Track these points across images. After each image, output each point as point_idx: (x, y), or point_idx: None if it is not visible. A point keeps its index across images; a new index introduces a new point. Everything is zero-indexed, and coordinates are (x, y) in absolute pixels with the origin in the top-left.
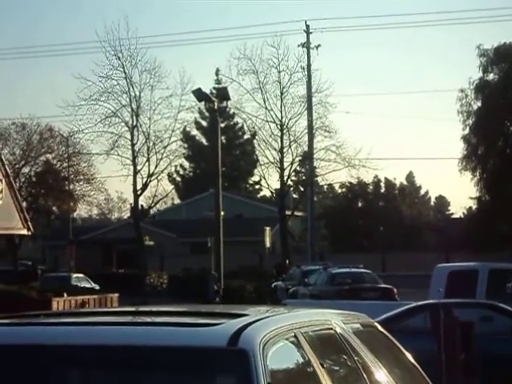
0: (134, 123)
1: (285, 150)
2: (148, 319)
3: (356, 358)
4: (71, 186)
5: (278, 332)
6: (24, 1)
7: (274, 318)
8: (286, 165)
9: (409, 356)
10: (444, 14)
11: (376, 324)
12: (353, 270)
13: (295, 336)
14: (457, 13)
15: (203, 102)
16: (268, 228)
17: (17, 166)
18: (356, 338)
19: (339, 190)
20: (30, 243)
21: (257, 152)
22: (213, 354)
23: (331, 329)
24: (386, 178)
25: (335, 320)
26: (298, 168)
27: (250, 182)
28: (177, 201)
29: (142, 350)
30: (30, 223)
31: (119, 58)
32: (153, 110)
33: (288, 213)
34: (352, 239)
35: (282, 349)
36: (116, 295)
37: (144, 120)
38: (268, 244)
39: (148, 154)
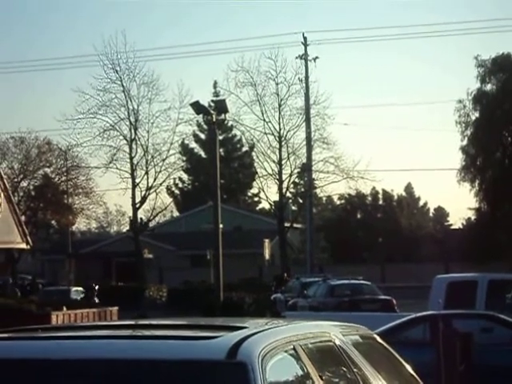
0: (133, 136)
1: (283, 162)
2: (147, 333)
3: (355, 370)
4: (70, 200)
5: (276, 344)
6: (21, 15)
7: (272, 331)
8: (284, 177)
9: (408, 367)
10: (442, 26)
11: (375, 336)
12: (352, 281)
13: (294, 348)
14: (454, 24)
15: (201, 115)
16: (267, 240)
17: (15, 180)
18: (355, 349)
19: (338, 202)
20: (29, 257)
21: (255, 164)
22: (212, 366)
23: (330, 341)
24: (383, 190)
25: (334, 332)
26: (296, 180)
27: (249, 194)
28: (176, 214)
29: (142, 364)
30: (28, 237)
31: (117, 72)
32: (151, 123)
33: (287, 225)
34: (351, 251)
35: (281, 361)
36: (115, 308)
37: (142, 133)
38: (267, 256)
39: (146, 167)
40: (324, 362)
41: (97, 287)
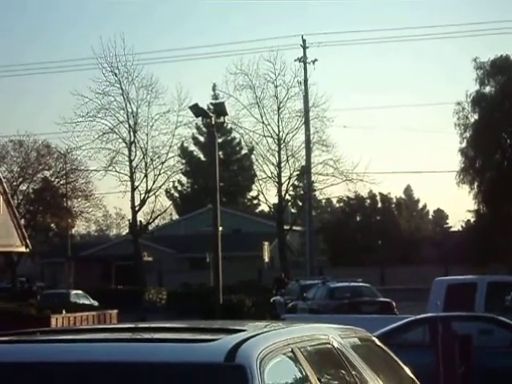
0: (132, 139)
1: (282, 164)
2: (146, 336)
3: (354, 373)
4: (69, 203)
5: (275, 347)
6: (20, 18)
7: (271, 333)
8: (283, 179)
9: (407, 370)
10: (441, 28)
11: (374, 338)
12: (352, 284)
13: (292, 351)
14: (454, 26)
15: (200, 118)
16: (266, 243)
17: (14, 183)
18: (354, 352)
19: (337, 205)
20: (28, 260)
21: (254, 167)
22: (210, 369)
23: (329, 343)
24: (380, 193)
25: (332, 334)
26: (295, 182)
27: (248, 196)
28: (175, 216)
29: (141, 367)
30: (28, 240)
31: (116, 75)
32: (150, 125)
33: (286, 227)
34: (350, 253)
35: (280, 364)
36: (115, 311)
37: (141, 136)
38: (267, 259)
39: (146, 170)
40: (322, 364)
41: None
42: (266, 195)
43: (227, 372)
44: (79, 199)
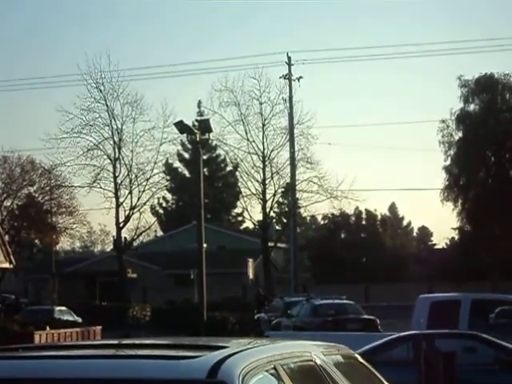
0: (117, 156)
1: (267, 181)
2: (130, 352)
3: None
4: (54, 219)
5: (257, 364)
6: (4, 33)
7: (253, 350)
8: (268, 196)
9: None
10: (425, 46)
11: (356, 355)
12: (336, 301)
13: (275, 368)
14: (438, 44)
15: (185, 135)
16: (251, 260)
17: None
18: (336, 369)
19: (322, 222)
20: (12, 276)
21: (239, 184)
22: None
23: (311, 360)
24: (366, 210)
25: (315, 352)
26: (280, 199)
27: (233, 213)
28: (160, 233)
29: (124, 383)
30: (12, 256)
31: (101, 91)
32: (135, 142)
33: (271, 244)
34: (335, 270)
35: (262, 381)
36: (99, 328)
37: (126, 152)
38: (251, 276)
39: (130, 187)
40: (305, 381)
41: None
42: (250, 212)
43: None
44: (63, 215)
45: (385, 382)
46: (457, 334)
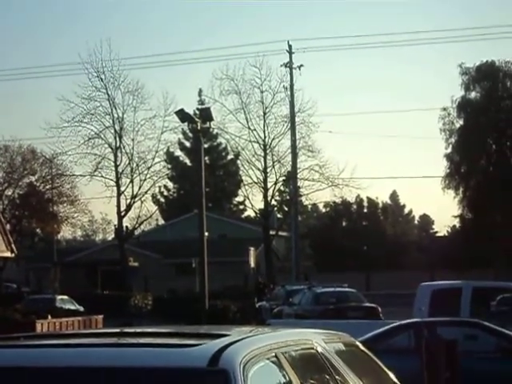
0: (118, 144)
1: (268, 169)
2: (131, 341)
3: (337, 378)
4: (55, 208)
5: (258, 352)
6: (5, 22)
7: (254, 338)
8: (269, 185)
9: (391, 375)
10: (426, 33)
11: (358, 343)
12: (337, 289)
13: (276, 356)
14: (439, 32)
15: (186, 123)
16: (252, 248)
17: (0, 188)
18: (338, 357)
19: (323, 210)
20: (13, 265)
21: (240, 172)
22: (193, 374)
23: (312, 348)
24: (368, 198)
25: (316, 339)
26: (281, 188)
27: (234, 202)
28: (161, 222)
29: (125, 372)
30: (13, 245)
31: (102, 80)
32: (136, 131)
33: (272, 233)
34: (336, 258)
35: (263, 369)
36: (101, 317)
37: (127, 141)
38: (252, 264)
39: (131, 176)
40: (306, 369)
41: None
42: (251, 200)
43: (210, 377)
44: (65, 204)
45: (386, 369)
46: (458, 321)
